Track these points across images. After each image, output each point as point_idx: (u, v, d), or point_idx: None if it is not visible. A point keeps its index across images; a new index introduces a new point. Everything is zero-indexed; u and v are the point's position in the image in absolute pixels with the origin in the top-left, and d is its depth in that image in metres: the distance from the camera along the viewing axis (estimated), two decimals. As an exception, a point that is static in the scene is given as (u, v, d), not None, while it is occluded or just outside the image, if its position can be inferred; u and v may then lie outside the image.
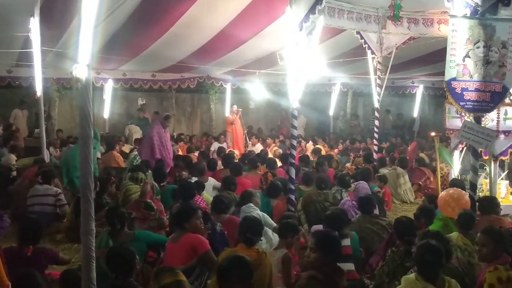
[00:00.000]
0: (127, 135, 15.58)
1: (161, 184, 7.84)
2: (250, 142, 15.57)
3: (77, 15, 3.88)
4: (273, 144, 15.39)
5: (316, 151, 13.13)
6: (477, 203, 6.38)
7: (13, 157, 10.80)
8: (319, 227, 5.63)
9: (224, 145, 14.38)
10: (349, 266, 5.01)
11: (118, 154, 11.65)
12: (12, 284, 3.99)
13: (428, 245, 4.04)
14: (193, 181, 8.01)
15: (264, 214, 6.61)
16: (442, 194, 7.04)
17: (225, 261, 3.81)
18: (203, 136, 17.12)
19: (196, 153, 12.28)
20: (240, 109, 15.05)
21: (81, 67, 3.76)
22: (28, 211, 7.72)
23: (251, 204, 6.56)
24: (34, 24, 9.08)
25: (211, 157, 11.71)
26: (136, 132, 15.86)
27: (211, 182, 8.57)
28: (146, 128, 16.98)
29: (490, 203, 6.32)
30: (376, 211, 6.96)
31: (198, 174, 8.60)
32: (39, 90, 10.16)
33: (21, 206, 8.07)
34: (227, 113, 16.48)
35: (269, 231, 6.21)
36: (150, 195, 6.85)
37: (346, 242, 5.29)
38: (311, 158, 12.35)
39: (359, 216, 6.54)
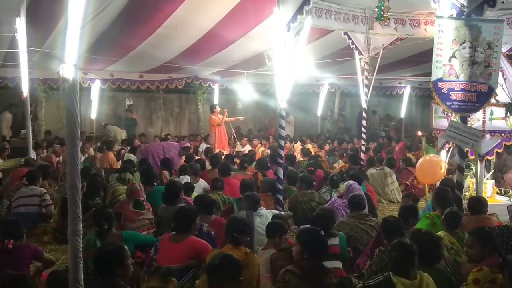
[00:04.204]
0: (112, 136, 15.48)
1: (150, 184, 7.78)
2: (238, 143, 15.53)
3: (64, 15, 3.86)
4: (259, 145, 15.36)
5: (305, 152, 13.16)
6: (466, 203, 6.44)
7: (-2, 159, 10.74)
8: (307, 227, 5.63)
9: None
10: (336, 264, 5.01)
11: (113, 156, 11.61)
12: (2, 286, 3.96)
13: (401, 244, 4.12)
14: (184, 181, 7.99)
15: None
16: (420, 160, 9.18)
17: (215, 260, 3.81)
18: (190, 138, 17.02)
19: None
20: (226, 110, 14.94)
21: (68, 67, 3.74)
22: (13, 213, 7.66)
23: (262, 207, 6.48)
24: (20, 24, 9.01)
25: (198, 157, 11.71)
26: (121, 133, 15.81)
27: (202, 184, 8.51)
28: (133, 129, 17.04)
29: (479, 203, 6.33)
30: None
31: (193, 175, 8.59)
32: (25, 90, 10.08)
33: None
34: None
35: None
36: (140, 193, 6.82)
37: (334, 241, 5.30)
38: (300, 158, 12.40)
39: (349, 215, 6.56)
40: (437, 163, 9.16)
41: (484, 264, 4.26)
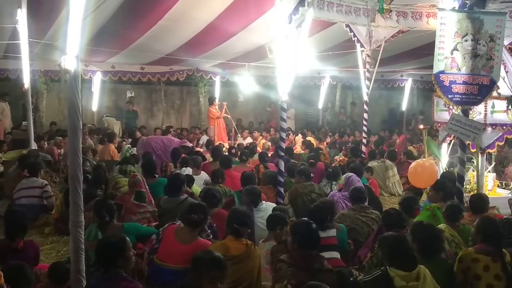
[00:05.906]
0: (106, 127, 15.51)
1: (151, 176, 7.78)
2: (239, 135, 15.54)
3: (66, 6, 3.85)
4: (260, 137, 15.41)
5: (306, 144, 13.16)
6: (468, 201, 6.39)
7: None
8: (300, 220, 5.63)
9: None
10: (333, 254, 5.04)
11: (114, 148, 11.63)
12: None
13: (394, 237, 4.12)
14: (185, 173, 7.99)
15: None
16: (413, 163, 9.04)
17: (200, 254, 3.82)
18: (191, 130, 17.02)
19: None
20: (225, 102, 15.01)
21: (69, 58, 3.74)
22: (15, 204, 7.68)
23: (263, 202, 6.46)
24: (22, 15, 8.98)
25: (199, 149, 11.73)
26: (115, 125, 15.80)
27: (203, 176, 8.52)
28: (134, 121, 17.04)
29: (481, 201, 6.04)
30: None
31: (195, 167, 8.62)
32: (26, 82, 10.07)
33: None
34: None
35: None
36: (142, 185, 6.82)
37: (331, 232, 5.30)
38: (302, 151, 12.39)
39: (350, 208, 6.56)
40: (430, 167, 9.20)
41: (475, 247, 4.39)
